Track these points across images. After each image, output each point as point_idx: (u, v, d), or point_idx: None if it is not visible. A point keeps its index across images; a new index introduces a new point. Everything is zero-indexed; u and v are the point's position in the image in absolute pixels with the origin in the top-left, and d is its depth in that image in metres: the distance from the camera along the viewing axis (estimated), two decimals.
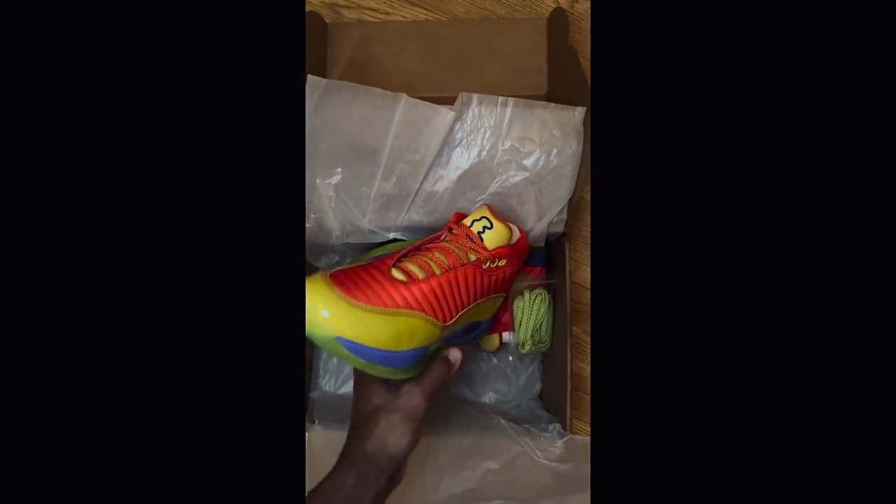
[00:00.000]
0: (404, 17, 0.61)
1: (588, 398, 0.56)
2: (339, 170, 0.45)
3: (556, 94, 0.54)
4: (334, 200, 0.45)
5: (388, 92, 0.43)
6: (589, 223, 0.58)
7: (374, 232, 0.48)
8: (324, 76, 0.44)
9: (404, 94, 0.42)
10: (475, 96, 0.43)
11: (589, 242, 0.58)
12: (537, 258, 0.52)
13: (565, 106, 0.44)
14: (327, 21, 0.59)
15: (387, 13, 0.61)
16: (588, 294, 0.58)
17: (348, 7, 0.61)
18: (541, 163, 0.44)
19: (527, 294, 0.49)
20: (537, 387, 0.56)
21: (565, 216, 0.48)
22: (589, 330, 0.57)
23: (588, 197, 0.58)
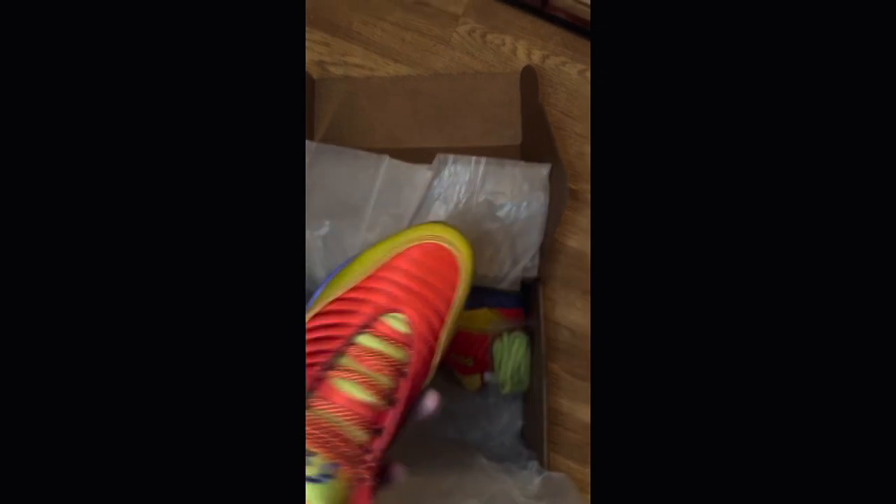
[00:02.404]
0: (388, 72, 0.65)
1: (566, 433, 0.59)
2: (327, 222, 0.48)
3: (529, 145, 0.58)
4: (322, 251, 0.48)
5: (373, 154, 0.46)
6: (564, 264, 0.61)
7: None
8: (312, 129, 0.47)
9: (387, 156, 0.46)
10: (450, 157, 0.47)
11: (564, 283, 0.61)
12: (515, 300, 0.55)
13: (533, 164, 0.48)
14: (314, 77, 0.63)
15: (371, 69, 0.65)
16: (565, 332, 0.60)
17: (335, 63, 0.65)
18: (513, 214, 0.48)
19: (505, 336, 0.52)
20: (519, 424, 0.58)
21: (538, 262, 0.51)
22: (567, 367, 0.59)
23: (564, 241, 0.61)
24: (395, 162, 0.46)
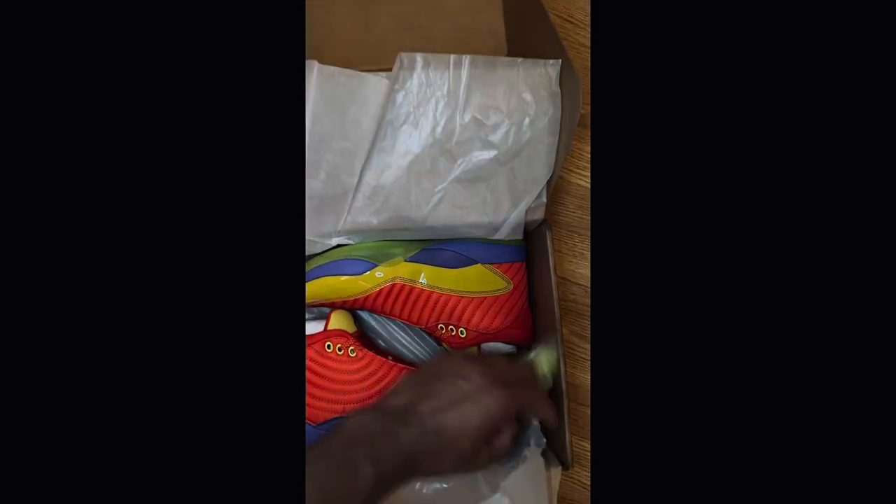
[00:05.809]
0: None
1: (582, 409, 0.50)
2: None
3: (519, 54, 0.46)
4: None
5: None
6: (571, 207, 0.51)
7: (312, 241, 0.40)
8: None
9: (316, 62, 0.33)
10: (419, 56, 0.35)
11: (572, 230, 0.51)
12: (513, 252, 0.45)
13: (536, 60, 0.37)
14: None
15: None
16: (576, 289, 0.51)
17: None
18: (511, 137, 0.37)
19: (542, 351, 0.43)
20: None
21: (545, 199, 0.42)
22: (579, 331, 0.51)
23: (569, 178, 0.51)
24: (331, 70, 0.33)
